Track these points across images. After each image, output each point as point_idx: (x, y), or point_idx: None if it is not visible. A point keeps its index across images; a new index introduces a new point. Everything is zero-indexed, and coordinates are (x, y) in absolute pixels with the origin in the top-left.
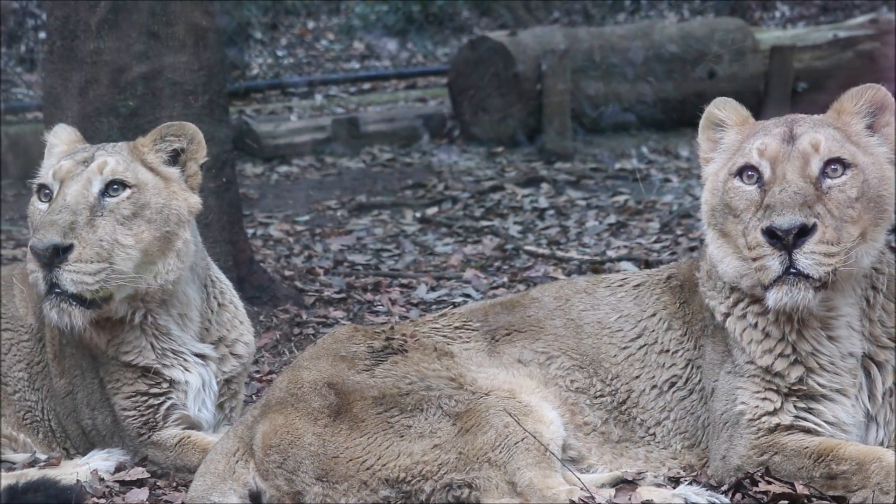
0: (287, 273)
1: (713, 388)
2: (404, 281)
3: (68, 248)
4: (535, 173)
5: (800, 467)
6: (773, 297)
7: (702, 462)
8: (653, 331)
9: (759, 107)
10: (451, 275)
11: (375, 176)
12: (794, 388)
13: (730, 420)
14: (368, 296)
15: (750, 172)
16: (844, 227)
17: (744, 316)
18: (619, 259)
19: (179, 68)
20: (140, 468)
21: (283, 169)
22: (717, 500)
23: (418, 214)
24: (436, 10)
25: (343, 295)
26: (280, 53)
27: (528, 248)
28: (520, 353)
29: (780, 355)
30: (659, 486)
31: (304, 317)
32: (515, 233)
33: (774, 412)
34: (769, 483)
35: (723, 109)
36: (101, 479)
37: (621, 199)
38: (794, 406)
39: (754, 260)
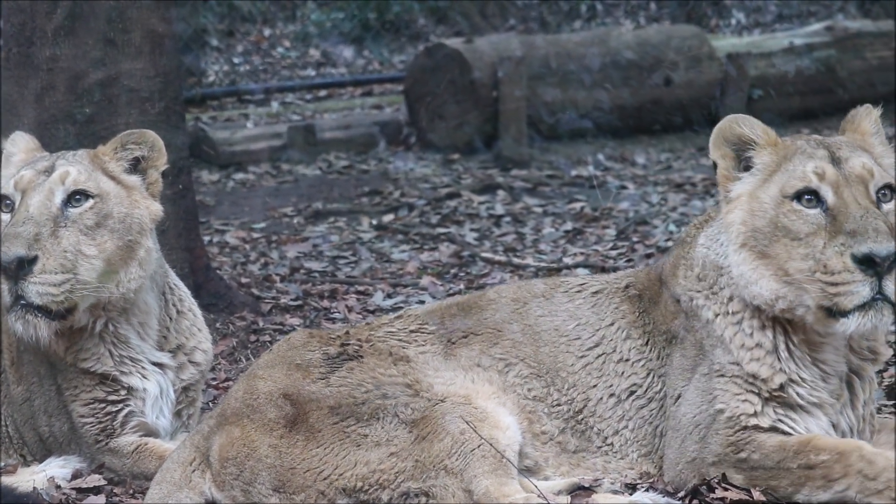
0: (243, 280)
1: (679, 393)
2: (361, 288)
3: (33, 260)
4: (491, 180)
5: (778, 461)
6: (857, 322)
7: (658, 469)
8: (611, 340)
9: (715, 113)
10: (407, 282)
11: (332, 183)
12: (775, 394)
13: (703, 422)
14: (325, 303)
15: (809, 196)
16: None
17: (738, 322)
18: (576, 266)
19: (136, 75)
20: (97, 475)
21: (240, 176)
22: None
23: (374, 221)
24: (392, 17)
25: (300, 302)
26: (236, 60)
27: (484, 255)
28: (478, 358)
29: (768, 364)
30: (615, 492)
31: (261, 324)
32: (472, 240)
33: (755, 414)
34: (726, 489)
35: (748, 127)
36: (58, 487)
37: (578, 205)
38: (774, 411)
39: (834, 285)
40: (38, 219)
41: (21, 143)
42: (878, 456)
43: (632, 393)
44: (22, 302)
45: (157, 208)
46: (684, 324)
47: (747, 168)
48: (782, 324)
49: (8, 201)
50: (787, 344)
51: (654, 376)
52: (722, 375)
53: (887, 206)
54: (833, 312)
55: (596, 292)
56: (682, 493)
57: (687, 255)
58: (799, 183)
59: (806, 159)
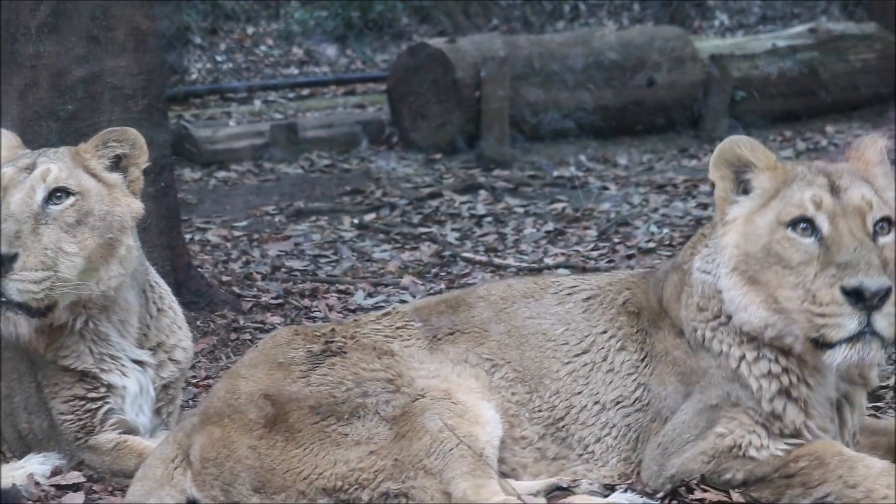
0: (224, 278)
1: (673, 411)
2: (342, 287)
3: (13, 258)
4: (473, 180)
5: (761, 476)
6: (844, 354)
7: (636, 472)
8: (602, 348)
9: (698, 115)
10: (388, 281)
11: (314, 182)
12: (788, 432)
13: (694, 441)
14: (306, 301)
15: (804, 225)
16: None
17: (754, 360)
18: (557, 266)
19: (119, 72)
20: (76, 472)
21: (222, 174)
22: None
23: (356, 221)
24: (375, 16)
25: (280, 300)
26: (219, 58)
27: (465, 254)
28: (465, 355)
29: (791, 405)
30: (593, 493)
31: (242, 322)
32: (453, 240)
33: (760, 447)
34: (705, 491)
35: (748, 150)
36: (37, 483)
37: (559, 206)
38: (780, 443)
39: (821, 316)
40: (18, 216)
41: (3, 141)
42: (858, 462)
43: (618, 402)
44: (2, 299)
45: (138, 206)
46: (687, 351)
47: (746, 191)
48: (785, 352)
49: None
50: (802, 377)
51: (644, 390)
52: (735, 405)
53: (884, 240)
54: (820, 343)
55: (588, 298)
56: (660, 494)
57: (687, 282)
58: (795, 210)
59: (805, 186)
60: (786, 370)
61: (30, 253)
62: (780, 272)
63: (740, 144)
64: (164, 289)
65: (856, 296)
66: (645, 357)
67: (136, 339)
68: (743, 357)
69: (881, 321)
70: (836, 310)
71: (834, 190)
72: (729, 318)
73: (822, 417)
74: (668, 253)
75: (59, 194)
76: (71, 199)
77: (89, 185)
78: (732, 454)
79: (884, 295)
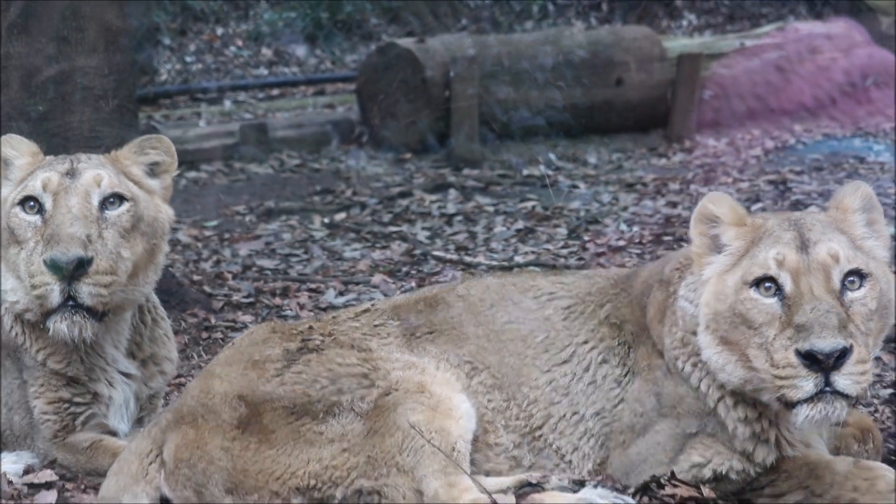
0: (195, 278)
1: (648, 427)
2: (313, 286)
3: (89, 261)
4: (443, 179)
5: (733, 491)
6: (805, 414)
7: (604, 468)
8: (583, 359)
9: (667, 114)
10: (359, 280)
11: (284, 181)
12: (760, 468)
13: (669, 461)
14: (277, 300)
15: (768, 284)
16: (866, 341)
17: (733, 406)
18: (527, 264)
19: (90, 73)
20: (49, 471)
21: (192, 174)
22: (623, 501)
23: (327, 220)
24: (344, 16)
25: (252, 299)
26: (189, 59)
27: (436, 253)
28: (445, 354)
29: (762, 442)
30: (563, 489)
31: (213, 321)
32: (423, 238)
33: (740, 471)
34: (675, 486)
35: (718, 206)
36: (10, 482)
37: (529, 204)
38: (757, 469)
39: (780, 378)
40: (85, 220)
41: (23, 147)
42: (825, 470)
43: (598, 414)
44: (71, 303)
45: (171, 212)
46: (666, 374)
47: (720, 249)
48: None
49: (32, 203)
50: (775, 422)
51: (623, 405)
52: (712, 436)
53: (853, 295)
54: (785, 403)
55: (568, 306)
56: (632, 490)
57: (672, 307)
58: (759, 270)
59: (771, 245)
60: (760, 416)
61: (101, 257)
62: (745, 332)
63: (712, 200)
64: (156, 299)
65: (810, 358)
66: (627, 372)
67: (127, 349)
68: (722, 398)
69: (842, 381)
70: (793, 372)
71: (802, 245)
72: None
73: (794, 448)
74: (638, 251)
75: (112, 199)
76: (126, 205)
77: (136, 192)
78: (709, 480)
79: (840, 355)
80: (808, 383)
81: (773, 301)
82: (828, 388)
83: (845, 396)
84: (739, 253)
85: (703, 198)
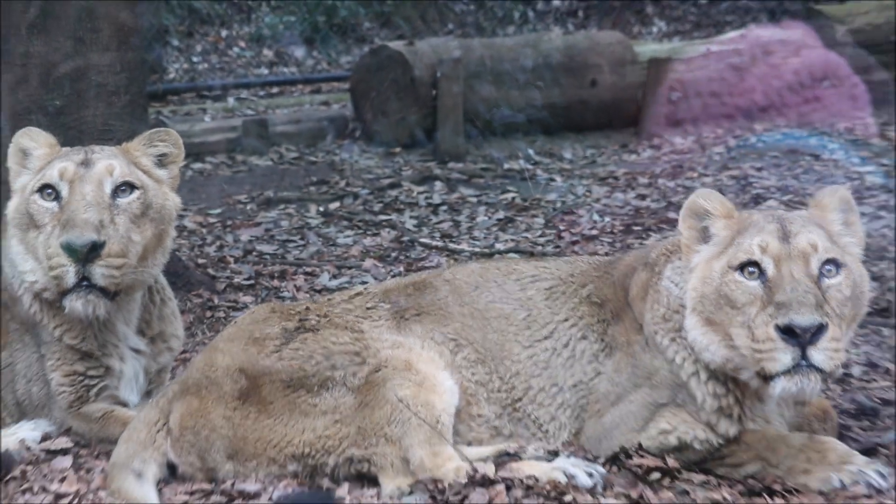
0: (200, 261)
1: (622, 396)
2: (308, 269)
3: (102, 244)
4: (429, 172)
5: (698, 460)
6: (782, 385)
7: (577, 438)
8: (564, 335)
9: (637, 114)
10: (351, 264)
11: (283, 173)
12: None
13: (640, 428)
14: (275, 282)
15: (752, 268)
16: (840, 324)
17: (706, 381)
18: (507, 251)
19: (103, 70)
20: (64, 438)
21: (198, 166)
22: (594, 471)
23: (322, 208)
24: (339, 20)
25: (252, 281)
26: (195, 59)
27: (422, 240)
28: (430, 333)
29: (725, 420)
30: (539, 458)
31: (216, 301)
32: (411, 226)
33: (703, 441)
34: (642, 457)
35: (708, 201)
36: (28, 448)
37: (509, 196)
38: (719, 439)
39: (760, 352)
40: (98, 206)
41: (41, 139)
42: (780, 443)
43: (575, 386)
44: (85, 283)
45: (178, 200)
46: (643, 344)
47: (708, 239)
48: (734, 380)
49: (49, 190)
50: (740, 399)
51: (600, 377)
52: (680, 407)
53: (829, 281)
54: (764, 376)
55: (550, 287)
56: (602, 459)
57: (655, 286)
58: (744, 255)
59: (755, 233)
60: (728, 393)
61: (113, 241)
62: (729, 312)
63: (702, 196)
64: (164, 281)
65: (789, 332)
66: (605, 348)
67: (137, 326)
68: (696, 373)
69: (817, 355)
70: (772, 346)
71: (784, 235)
72: (686, 338)
73: (754, 423)
74: (609, 240)
75: (123, 188)
76: (137, 193)
77: (145, 180)
78: (674, 448)
79: (816, 331)
80: (786, 356)
81: (755, 283)
82: (804, 362)
83: (819, 371)
84: (726, 242)
85: (693, 193)
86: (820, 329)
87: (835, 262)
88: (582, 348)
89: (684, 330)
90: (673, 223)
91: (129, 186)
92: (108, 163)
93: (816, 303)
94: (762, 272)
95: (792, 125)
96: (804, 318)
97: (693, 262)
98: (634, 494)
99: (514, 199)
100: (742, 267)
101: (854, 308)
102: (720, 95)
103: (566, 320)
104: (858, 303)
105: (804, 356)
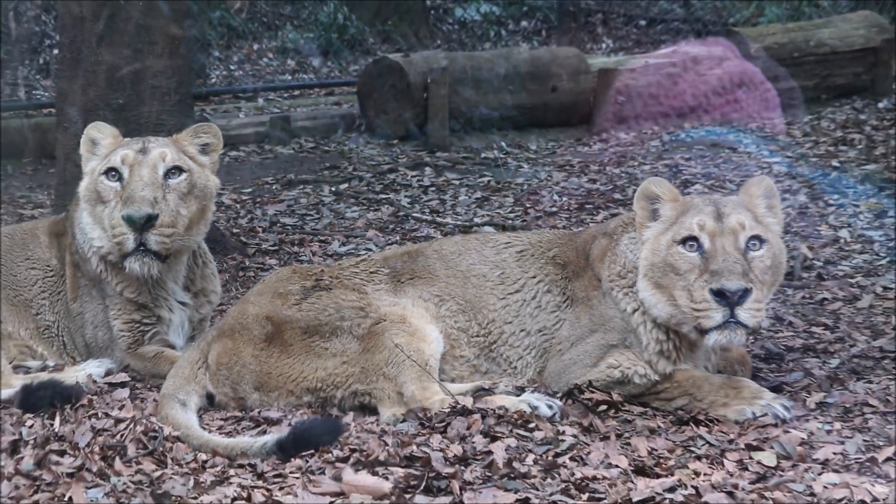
0: (234, 230)
1: (579, 339)
2: (322, 238)
3: (156, 217)
4: (421, 159)
5: (638, 393)
6: (714, 338)
7: (540, 377)
8: (532, 289)
9: (590, 113)
10: (357, 234)
11: (302, 160)
12: (661, 375)
13: (593, 364)
14: (295, 248)
15: (692, 242)
16: (762, 289)
17: (652, 329)
18: (483, 224)
19: (157, 75)
20: (123, 374)
21: (233, 153)
22: (553, 404)
23: (333, 189)
24: (349, 36)
25: (276, 247)
26: (232, 67)
27: (415, 215)
28: (419, 293)
29: (664, 360)
30: (509, 394)
31: (247, 263)
32: (406, 203)
33: (642, 376)
34: (592, 393)
35: (658, 187)
36: (94, 382)
37: (486, 179)
38: (655, 376)
39: (697, 310)
40: (153, 186)
41: (107, 131)
42: (704, 382)
43: (540, 331)
44: (142, 248)
45: (217, 181)
46: (600, 297)
47: (656, 218)
48: (675, 331)
49: (114, 172)
50: (678, 346)
51: (561, 323)
52: (627, 347)
53: (754, 254)
54: (700, 331)
55: (521, 251)
56: (560, 394)
57: (613, 250)
58: (685, 232)
59: (695, 214)
60: (668, 340)
61: (165, 214)
62: (674, 278)
63: (653, 183)
64: (205, 246)
65: (720, 295)
66: (567, 300)
67: (183, 284)
68: (644, 323)
69: (743, 314)
70: (707, 306)
71: (718, 216)
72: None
73: (686, 363)
74: (567, 216)
75: (173, 171)
76: (184, 175)
77: (191, 165)
78: (618, 381)
79: (742, 294)
80: (717, 314)
81: (694, 255)
82: (732, 319)
83: (744, 326)
84: (671, 220)
85: (646, 180)
86: (745, 293)
87: (759, 238)
88: (547, 300)
89: (636, 289)
90: (618, 203)
91: (178, 170)
92: (161, 150)
93: (743, 271)
94: (700, 245)
95: (715, 123)
96: (733, 284)
97: (644, 236)
98: (586, 423)
99: (489, 181)
100: (684, 241)
101: (773, 276)
102: (656, 98)
103: (534, 277)
104: (777, 271)
105: (732, 315)
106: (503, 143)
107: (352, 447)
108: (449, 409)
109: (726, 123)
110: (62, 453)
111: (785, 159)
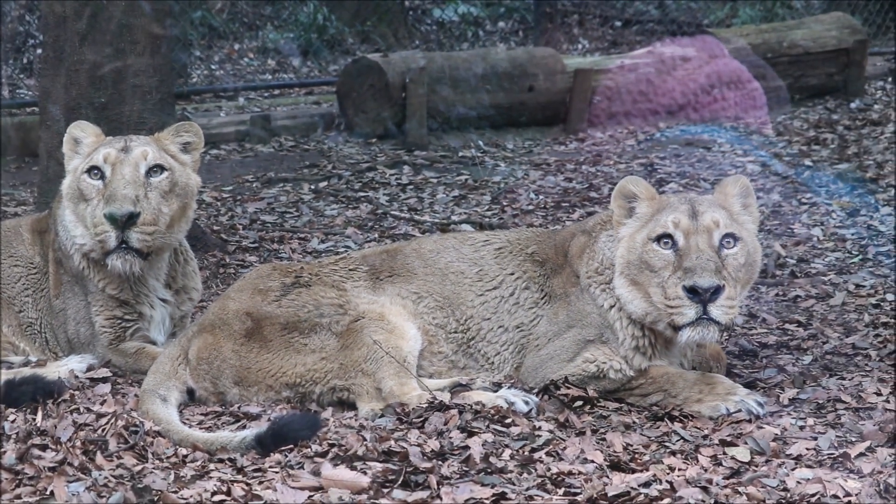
0: (215, 227)
1: (556, 334)
2: (301, 235)
3: (137, 215)
4: (399, 158)
5: (613, 389)
6: (688, 335)
7: (517, 373)
8: (510, 286)
9: (566, 113)
10: (336, 231)
11: (282, 158)
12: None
13: (570, 358)
14: (275, 246)
15: (666, 240)
16: (736, 286)
17: (627, 325)
18: (461, 222)
19: (139, 73)
20: (105, 369)
21: (214, 151)
22: (529, 400)
23: (313, 186)
24: (328, 37)
25: (256, 245)
26: (213, 66)
27: (393, 212)
28: (398, 290)
29: (640, 355)
30: (486, 389)
31: (227, 260)
32: (384, 201)
33: (618, 370)
34: (568, 388)
35: (635, 185)
36: (76, 377)
37: (463, 177)
38: (630, 371)
39: (670, 307)
40: (135, 184)
41: (89, 130)
42: (679, 378)
43: (518, 327)
44: (124, 245)
45: (199, 180)
46: (578, 294)
47: (632, 216)
48: (650, 328)
49: (96, 171)
50: (653, 342)
51: (539, 320)
52: (604, 343)
53: (727, 251)
54: (674, 327)
55: (499, 248)
56: (536, 390)
57: (591, 247)
58: (660, 229)
59: (671, 211)
60: (643, 336)
61: (146, 212)
62: (649, 275)
63: (630, 182)
64: (186, 244)
65: (693, 292)
66: (545, 296)
67: (164, 281)
68: (620, 319)
69: (715, 311)
70: (680, 302)
71: (693, 214)
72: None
73: (661, 359)
74: (543, 214)
75: (155, 169)
76: (166, 174)
77: (172, 164)
78: (593, 375)
79: (715, 291)
80: (690, 311)
81: (669, 252)
82: (705, 316)
83: (717, 323)
84: (647, 218)
85: (623, 179)
86: (718, 290)
87: (733, 236)
88: (525, 297)
89: (613, 285)
90: (594, 202)
91: (160, 168)
92: (143, 149)
93: (716, 269)
94: (675, 243)
95: (690, 122)
96: (705, 281)
97: (621, 233)
98: (562, 418)
99: (466, 180)
100: (659, 238)
101: (747, 273)
102: (631, 99)
103: (512, 274)
104: (751, 269)
105: (705, 311)
106: (480, 142)
107: (330, 442)
108: (427, 405)
109: (704, 122)
110: (44, 448)
111: (759, 158)
